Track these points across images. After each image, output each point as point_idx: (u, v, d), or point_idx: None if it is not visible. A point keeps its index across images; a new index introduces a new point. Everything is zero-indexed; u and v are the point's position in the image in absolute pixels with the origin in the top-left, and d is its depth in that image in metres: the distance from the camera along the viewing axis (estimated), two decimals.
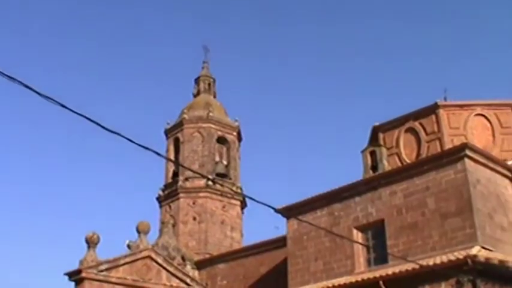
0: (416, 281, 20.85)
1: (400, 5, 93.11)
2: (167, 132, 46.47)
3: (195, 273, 35.98)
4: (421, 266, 19.84)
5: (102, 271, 16.73)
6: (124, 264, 17.19)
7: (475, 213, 22.24)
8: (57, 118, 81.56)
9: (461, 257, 19.83)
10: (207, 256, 38.86)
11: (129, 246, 21.36)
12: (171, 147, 45.48)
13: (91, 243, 17.30)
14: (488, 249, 21.35)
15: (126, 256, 17.21)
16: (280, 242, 31.39)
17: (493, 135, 28.84)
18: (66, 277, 20.66)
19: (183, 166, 42.34)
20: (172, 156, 44.59)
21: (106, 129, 10.06)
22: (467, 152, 23.21)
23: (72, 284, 19.84)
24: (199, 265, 37.91)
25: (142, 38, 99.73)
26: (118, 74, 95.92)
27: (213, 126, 44.94)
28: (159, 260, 17.82)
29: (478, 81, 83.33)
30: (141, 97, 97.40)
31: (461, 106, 29.26)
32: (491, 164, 24.17)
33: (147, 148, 10.92)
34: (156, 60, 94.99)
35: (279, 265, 31.62)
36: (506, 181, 24.77)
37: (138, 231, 20.86)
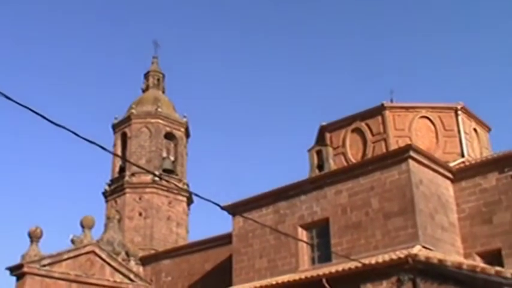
0: (358, 279, 21.17)
1: (351, 5, 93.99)
2: (115, 127, 46.05)
3: (140, 269, 35.73)
4: (364, 265, 20.14)
5: (44, 266, 16.50)
6: (67, 259, 16.99)
7: (417, 214, 22.72)
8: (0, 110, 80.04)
9: (402, 256, 20.21)
10: (152, 252, 38.70)
11: (72, 241, 21.12)
12: (119, 142, 45.10)
13: (34, 237, 17.04)
14: (428, 249, 21.82)
15: (69, 251, 17.01)
16: (225, 239, 31.46)
17: (437, 138, 29.43)
18: (8, 272, 20.32)
19: (129, 161, 42.07)
20: (119, 151, 44.23)
21: (51, 121, 9.93)
22: (411, 153, 23.68)
23: (14, 279, 19.54)
24: (144, 261, 37.66)
25: (92, 32, 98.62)
26: (66, 68, 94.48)
27: (161, 121, 44.72)
28: (103, 255, 17.66)
29: (423, 84, 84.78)
30: (90, 92, 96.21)
31: (406, 108, 29.78)
32: (433, 166, 24.70)
33: (92, 142, 10.81)
34: (106, 54, 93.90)
35: (223, 262, 31.70)
36: (448, 182, 25.36)
37: (82, 226, 20.63)
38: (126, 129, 44.80)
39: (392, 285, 20.25)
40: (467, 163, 26.92)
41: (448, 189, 25.33)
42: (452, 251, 23.62)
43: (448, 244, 23.82)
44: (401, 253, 20.84)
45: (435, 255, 20.33)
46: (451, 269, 18.89)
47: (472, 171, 25.42)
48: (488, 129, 32.65)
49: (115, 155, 43.65)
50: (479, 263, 21.73)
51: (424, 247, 21.78)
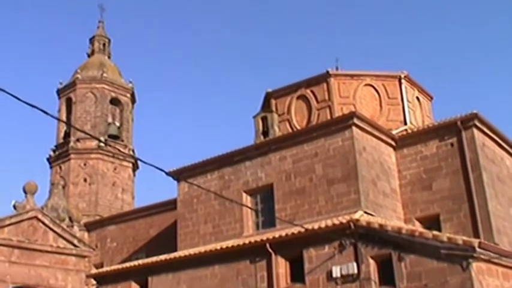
0: (302, 244, 21.43)
1: None
2: (59, 92, 45.39)
3: (85, 235, 35.62)
4: (307, 230, 20.42)
5: None
6: (9, 225, 16.79)
7: (360, 180, 23.14)
8: None
9: (344, 221, 20.54)
10: (97, 218, 38.53)
11: (15, 207, 20.85)
12: (63, 107, 44.50)
13: None
14: (370, 214, 22.28)
15: (11, 217, 16.82)
16: (170, 205, 31.53)
17: (380, 105, 29.84)
18: None
19: (74, 127, 41.60)
20: (64, 117, 43.66)
21: None
22: (355, 121, 24.02)
23: None
24: (89, 227, 37.53)
25: None
26: (8, 31, 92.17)
27: (106, 87, 44.26)
28: (46, 221, 17.51)
29: (369, 53, 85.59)
30: (33, 56, 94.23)
31: (351, 76, 30.05)
32: (377, 133, 25.11)
33: (33, 106, 10.65)
34: (50, 17, 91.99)
35: (168, 227, 31.78)
36: (390, 149, 25.85)
37: (25, 192, 20.37)
38: (71, 95, 44.21)
39: (334, 250, 20.58)
40: (409, 131, 27.43)
41: (390, 156, 25.82)
42: (393, 217, 24.18)
43: (389, 210, 24.36)
44: (343, 218, 21.20)
45: (376, 220, 20.74)
46: (391, 233, 19.28)
47: (413, 139, 25.96)
48: (431, 98, 33.26)
49: (58, 119, 43.07)
50: (418, 227, 22.28)
51: (366, 213, 22.22)
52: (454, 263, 17.90)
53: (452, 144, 24.94)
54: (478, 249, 17.52)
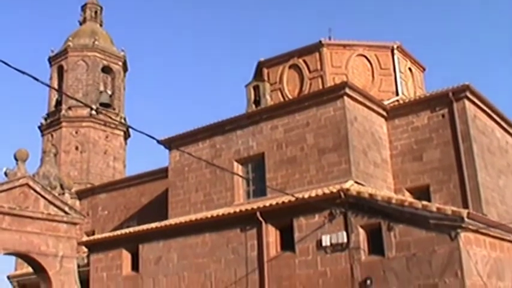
0: (292, 213, 21.57)
1: None
2: (51, 60, 45.11)
3: (76, 203, 35.64)
4: (297, 199, 20.52)
5: None
6: (0, 191, 16.79)
7: (351, 150, 23.22)
8: None
9: (335, 190, 20.65)
10: (89, 186, 38.60)
11: (6, 174, 20.84)
12: (55, 75, 44.27)
13: None
14: (361, 184, 22.40)
15: (2, 184, 16.80)
16: (162, 173, 31.59)
17: (373, 76, 29.82)
18: None
19: (65, 94, 41.43)
20: (55, 85, 43.45)
21: None
22: (347, 91, 24.04)
23: None
24: (81, 195, 37.61)
25: None
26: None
27: (98, 55, 44.01)
28: (37, 188, 17.51)
29: (362, 23, 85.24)
30: (25, 23, 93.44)
31: (344, 46, 29.97)
32: (368, 103, 25.15)
33: (24, 73, 10.60)
34: None
35: (160, 196, 31.89)
36: (382, 120, 25.92)
37: (16, 159, 20.35)
38: (63, 62, 43.96)
39: (324, 219, 20.72)
40: (401, 101, 27.48)
41: (381, 126, 25.89)
42: (383, 187, 24.32)
43: (379, 180, 24.49)
44: (334, 188, 21.29)
45: (366, 190, 20.85)
46: (381, 203, 19.41)
47: (405, 110, 26.03)
48: (423, 69, 33.27)
49: (49, 86, 42.69)
50: (408, 198, 22.42)
51: (356, 182, 22.33)
52: (443, 232, 18.07)
53: (443, 116, 25.02)
54: (466, 220, 17.68)
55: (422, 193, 23.99)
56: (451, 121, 24.71)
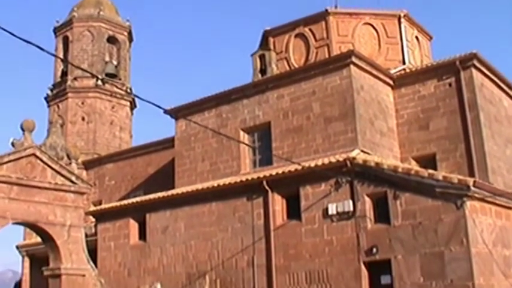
0: (298, 182, 21.64)
1: None
2: (56, 31, 44.87)
3: (83, 173, 35.82)
4: (303, 168, 20.57)
5: None
6: (8, 162, 16.83)
7: (357, 119, 23.19)
8: None
9: (341, 159, 20.68)
10: (95, 156, 38.69)
11: (13, 144, 20.90)
12: (60, 46, 44.05)
13: None
14: (367, 153, 22.41)
15: (9, 154, 16.83)
16: (168, 143, 31.65)
17: (379, 45, 29.66)
18: None
19: (72, 64, 41.25)
20: (61, 55, 43.27)
21: None
22: (353, 59, 23.94)
23: None
24: (88, 165, 37.77)
25: None
26: None
27: (103, 25, 43.76)
28: (44, 158, 17.54)
29: None
30: None
31: (350, 14, 29.78)
32: (375, 72, 25.05)
33: (29, 42, 10.58)
34: None
35: (166, 165, 31.97)
36: (388, 88, 25.82)
37: (23, 130, 20.37)
38: (68, 33, 43.74)
39: (330, 188, 20.79)
40: (407, 70, 27.37)
41: (388, 95, 25.81)
42: (389, 156, 24.31)
43: (386, 149, 24.49)
44: (340, 156, 21.32)
45: (372, 158, 20.88)
46: (387, 171, 19.45)
47: (412, 78, 25.94)
48: (430, 38, 33.06)
49: (55, 56, 42.67)
50: (414, 166, 22.43)
51: (362, 151, 22.34)
52: (449, 201, 18.13)
53: (450, 84, 24.92)
54: (472, 188, 17.73)
55: (428, 162, 23.98)
56: (458, 90, 24.61)
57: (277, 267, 21.68)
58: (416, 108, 25.40)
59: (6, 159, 16.82)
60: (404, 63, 28.95)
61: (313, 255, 20.88)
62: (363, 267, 19.74)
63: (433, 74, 25.37)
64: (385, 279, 19.39)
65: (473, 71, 24.58)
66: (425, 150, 24.80)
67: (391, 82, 25.92)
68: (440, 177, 18.39)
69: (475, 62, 24.55)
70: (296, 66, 28.82)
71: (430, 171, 19.18)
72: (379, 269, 19.45)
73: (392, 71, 26.68)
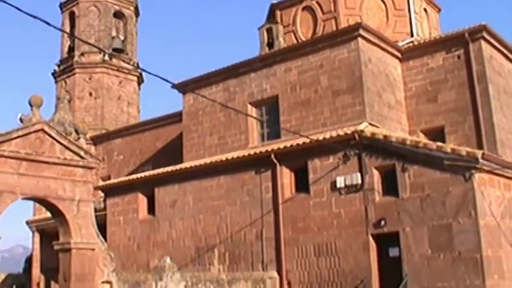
0: (306, 155, 21.68)
1: None
2: (62, 6, 44.71)
3: (91, 148, 35.89)
4: (312, 141, 20.57)
5: None
6: (16, 137, 16.81)
7: (365, 91, 23.12)
8: None
9: (349, 132, 20.68)
10: (104, 131, 38.75)
11: (21, 120, 20.94)
12: (67, 22, 43.89)
13: None
14: (375, 126, 22.37)
15: (18, 130, 16.82)
16: (176, 117, 31.65)
17: (387, 17, 29.44)
18: None
19: (79, 38, 41.13)
20: (67, 31, 43.17)
21: None
22: (361, 32, 23.79)
23: None
24: (96, 140, 37.86)
25: None
26: None
27: (109, 0, 43.59)
28: (53, 134, 17.51)
29: None
30: None
31: None
32: (382, 44, 24.90)
33: (36, 17, 10.55)
34: None
35: (174, 140, 32.01)
36: (396, 61, 25.70)
37: (31, 105, 20.41)
38: (74, 8, 43.58)
39: (338, 161, 20.82)
40: (416, 43, 27.16)
41: (396, 68, 25.69)
42: (398, 128, 24.27)
43: (394, 121, 24.43)
44: (348, 129, 21.31)
45: (381, 131, 20.85)
46: (395, 144, 19.43)
47: (420, 51, 25.78)
48: (438, 10, 32.79)
49: (62, 30, 42.56)
50: (422, 139, 22.38)
51: (370, 124, 22.31)
52: (457, 173, 18.13)
53: (459, 57, 24.77)
54: (481, 160, 17.71)
55: (436, 135, 23.93)
56: (466, 62, 24.47)
57: (285, 240, 21.79)
58: (424, 80, 25.29)
59: (14, 135, 16.80)
60: (412, 35, 28.74)
61: (321, 228, 20.96)
62: (371, 239, 19.82)
63: (442, 47, 25.20)
64: (393, 252, 19.46)
65: (482, 43, 24.42)
66: (434, 123, 24.72)
67: (399, 55, 25.77)
68: (449, 150, 18.37)
69: (484, 34, 24.38)
70: (303, 39, 28.67)
71: (439, 143, 19.15)
72: (387, 241, 19.53)
73: (400, 44, 26.51)
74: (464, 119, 24.13)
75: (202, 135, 27.49)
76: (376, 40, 24.53)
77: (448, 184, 18.25)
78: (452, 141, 23.36)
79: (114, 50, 42.63)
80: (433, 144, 18.86)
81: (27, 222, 35.66)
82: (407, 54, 25.85)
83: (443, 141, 23.15)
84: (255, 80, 26.23)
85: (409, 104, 25.42)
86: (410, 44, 26.93)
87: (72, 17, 43.69)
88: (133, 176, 28.80)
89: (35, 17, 10.43)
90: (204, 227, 24.26)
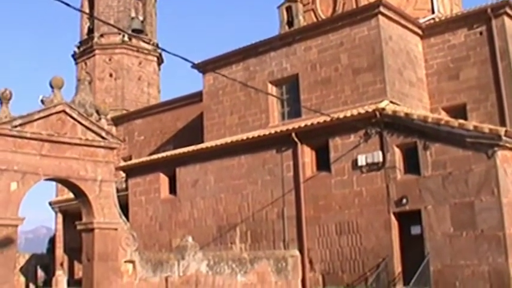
0: (327, 133, 21.64)
1: None
2: None
3: (112, 129, 36.02)
4: (332, 119, 20.52)
5: (16, 127, 16.45)
6: (38, 119, 16.89)
7: (386, 69, 22.97)
8: None
9: (370, 110, 20.59)
10: (124, 112, 38.88)
11: (43, 102, 21.06)
12: (86, 3, 43.88)
13: (3, 99, 16.86)
14: (396, 103, 22.23)
15: (40, 111, 16.88)
16: (196, 97, 31.66)
17: None
18: None
19: (98, 19, 41.19)
20: (87, 12, 43.18)
21: None
22: (381, 9, 23.59)
23: None
24: (117, 121, 38.00)
25: None
26: None
27: None
28: (74, 115, 17.60)
29: None
30: None
31: None
32: (403, 22, 24.67)
33: None
34: None
35: (195, 120, 32.04)
36: (417, 38, 25.45)
37: (52, 87, 20.51)
38: None
39: (360, 139, 20.77)
40: (437, 19, 26.86)
41: (417, 45, 25.46)
42: (419, 106, 24.10)
43: (415, 99, 24.26)
44: (369, 107, 21.22)
45: (402, 109, 20.74)
46: (417, 122, 19.32)
47: (441, 28, 25.50)
48: None
49: (82, 11, 42.60)
50: (444, 116, 22.22)
51: (391, 102, 22.17)
52: (479, 151, 18.01)
53: (481, 33, 24.48)
54: (503, 138, 17.59)
55: (458, 112, 23.73)
56: (489, 38, 24.18)
57: (307, 218, 21.84)
58: (446, 58, 25.04)
59: (36, 117, 16.88)
60: (433, 12, 28.38)
61: (342, 206, 20.97)
62: (392, 217, 19.80)
63: (463, 23, 24.91)
64: (415, 230, 19.43)
65: (505, 18, 24.08)
66: (456, 101, 24.51)
67: (420, 32, 25.52)
68: (471, 127, 18.23)
69: (507, 10, 24.03)
70: (323, 17, 28.47)
71: (461, 121, 19.04)
72: (409, 219, 19.49)
73: (421, 21, 26.25)
74: (486, 96, 23.89)
75: (223, 115, 27.50)
76: (396, 17, 24.31)
77: (471, 162, 18.15)
78: (475, 119, 23.16)
79: (134, 30, 42.65)
80: (455, 122, 18.73)
81: (50, 203, 35.99)
82: (428, 31, 25.58)
83: (465, 118, 22.98)
84: (275, 58, 26.14)
85: (431, 81, 25.21)
86: (432, 21, 26.64)
87: None
88: (155, 156, 28.93)
89: None
90: (226, 206, 24.36)
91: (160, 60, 43.70)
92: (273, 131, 23.39)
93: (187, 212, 25.61)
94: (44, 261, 36.48)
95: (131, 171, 28.47)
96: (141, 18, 43.76)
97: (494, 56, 23.93)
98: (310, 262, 21.65)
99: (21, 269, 34.91)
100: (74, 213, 27.23)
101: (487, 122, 22.14)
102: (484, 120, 22.84)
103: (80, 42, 43.33)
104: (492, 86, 23.85)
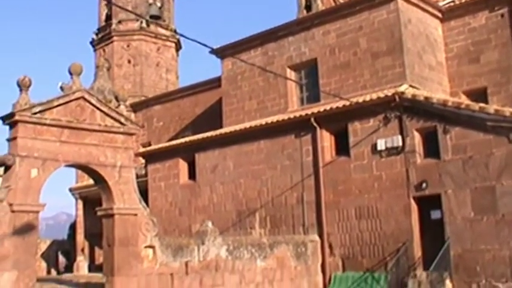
0: (346, 118, 21.56)
1: None
2: None
3: (131, 115, 36.10)
4: (352, 103, 20.43)
5: (35, 113, 16.52)
6: (58, 105, 16.93)
7: (405, 53, 22.78)
8: None
9: (389, 94, 20.46)
10: (143, 98, 38.97)
11: (62, 88, 21.11)
12: None
13: (23, 86, 16.93)
14: (415, 87, 22.06)
15: (59, 98, 16.94)
16: (214, 83, 31.65)
17: None
18: (0, 121, 20.48)
19: (117, 5, 41.18)
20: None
21: None
22: None
23: (7, 128, 19.72)
24: (135, 107, 38.09)
25: None
26: None
27: None
28: (93, 101, 17.64)
29: None
30: None
31: None
32: (422, 5, 24.43)
33: None
34: None
35: (213, 105, 32.05)
36: (436, 21, 25.20)
37: (71, 73, 20.57)
38: None
39: (379, 123, 20.66)
40: (457, 2, 26.52)
41: (436, 28, 25.22)
42: (439, 90, 23.91)
43: (435, 83, 24.06)
44: (388, 91, 21.08)
45: (422, 93, 20.59)
46: (437, 106, 19.18)
47: (461, 11, 25.20)
48: None
49: None
50: (464, 100, 22.04)
51: (411, 86, 22.01)
52: (500, 135, 17.86)
53: (502, 15, 24.16)
54: None
55: (479, 96, 23.48)
56: (510, 21, 23.87)
57: (326, 203, 21.81)
58: (466, 41, 24.77)
59: (56, 103, 16.93)
60: None
61: (362, 190, 20.92)
62: (412, 202, 19.72)
63: (484, 5, 24.58)
64: (435, 214, 19.35)
65: None
66: (476, 84, 24.26)
67: (439, 15, 25.25)
68: (492, 111, 18.07)
69: None
70: (342, 1, 28.26)
71: (481, 104, 18.85)
72: (429, 204, 19.41)
73: (441, 4, 25.94)
74: (507, 79, 23.62)
75: (242, 100, 27.47)
76: (415, 0, 24.07)
77: (491, 145, 18.00)
78: (495, 102, 22.92)
79: (151, 17, 42.65)
80: (475, 105, 18.57)
81: (70, 190, 36.20)
82: (448, 14, 25.30)
83: (486, 102, 22.72)
84: (294, 43, 26.02)
85: (451, 65, 24.97)
86: (452, 4, 26.30)
87: None
88: (174, 142, 29.00)
89: None
90: (245, 191, 24.39)
91: (178, 46, 43.71)
92: (292, 116, 23.34)
93: (207, 197, 25.69)
94: (65, 247, 36.82)
95: (150, 157, 28.57)
96: (158, 4, 43.74)
97: None
98: (330, 247, 21.65)
99: (42, 255, 35.25)
100: (94, 199, 27.37)
101: (508, 105, 21.88)
102: (505, 103, 22.59)
103: (98, 29, 43.42)
104: None
